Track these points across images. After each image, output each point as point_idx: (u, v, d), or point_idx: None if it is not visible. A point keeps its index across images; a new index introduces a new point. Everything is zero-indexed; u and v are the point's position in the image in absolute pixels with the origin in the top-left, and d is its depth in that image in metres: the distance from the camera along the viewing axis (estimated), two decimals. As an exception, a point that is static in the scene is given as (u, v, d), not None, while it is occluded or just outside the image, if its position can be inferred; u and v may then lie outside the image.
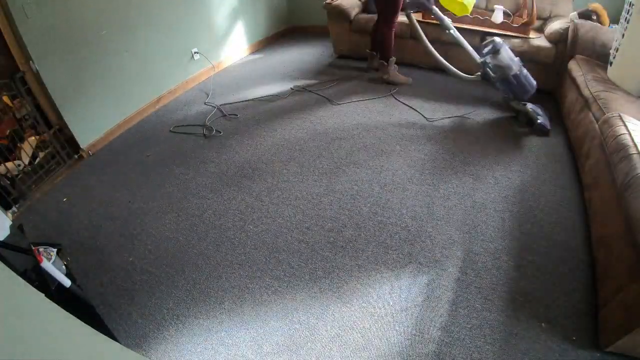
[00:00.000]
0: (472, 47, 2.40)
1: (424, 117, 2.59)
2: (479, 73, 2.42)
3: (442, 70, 3.22)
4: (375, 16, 3.21)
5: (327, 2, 3.36)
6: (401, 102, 2.79)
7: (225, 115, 2.79)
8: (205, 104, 2.99)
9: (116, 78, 2.59)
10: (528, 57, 2.74)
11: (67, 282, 1.12)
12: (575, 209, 1.76)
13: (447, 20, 2.39)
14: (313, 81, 3.19)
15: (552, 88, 2.79)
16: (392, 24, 2.82)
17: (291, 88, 3.09)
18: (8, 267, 0.83)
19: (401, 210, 1.81)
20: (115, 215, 1.94)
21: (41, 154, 2.22)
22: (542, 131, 2.30)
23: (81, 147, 2.38)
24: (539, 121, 2.29)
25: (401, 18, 3.21)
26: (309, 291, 1.47)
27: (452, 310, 1.36)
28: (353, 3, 3.39)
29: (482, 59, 2.32)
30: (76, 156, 2.37)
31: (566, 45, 2.56)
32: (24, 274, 1.01)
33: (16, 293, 0.71)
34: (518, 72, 2.25)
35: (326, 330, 1.32)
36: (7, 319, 0.60)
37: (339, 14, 3.32)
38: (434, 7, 2.38)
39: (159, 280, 1.57)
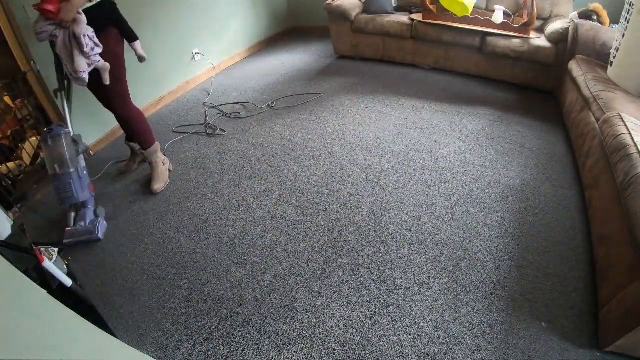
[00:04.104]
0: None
1: (423, 117, 2.59)
2: None
3: (442, 70, 3.25)
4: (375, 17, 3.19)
5: (327, 2, 3.37)
6: (404, 102, 2.79)
7: (226, 115, 2.80)
8: (205, 104, 2.99)
9: (117, 78, 2.59)
10: (528, 57, 2.75)
11: (68, 282, 1.12)
12: (575, 209, 1.76)
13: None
14: (314, 81, 3.19)
15: (553, 88, 2.80)
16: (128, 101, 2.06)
17: (294, 93, 3.10)
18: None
19: (401, 210, 1.81)
20: (116, 215, 1.94)
21: (42, 154, 2.23)
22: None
23: (82, 147, 2.39)
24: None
25: (400, 18, 3.22)
26: (309, 291, 1.47)
27: (452, 310, 1.36)
28: (354, 4, 3.40)
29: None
30: (77, 156, 2.38)
31: (566, 45, 2.56)
32: (25, 274, 1.02)
33: (22, 291, 0.72)
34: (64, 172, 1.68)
35: (327, 330, 1.33)
36: (12, 316, 0.60)
37: (340, 14, 3.33)
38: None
39: (160, 280, 1.57)
